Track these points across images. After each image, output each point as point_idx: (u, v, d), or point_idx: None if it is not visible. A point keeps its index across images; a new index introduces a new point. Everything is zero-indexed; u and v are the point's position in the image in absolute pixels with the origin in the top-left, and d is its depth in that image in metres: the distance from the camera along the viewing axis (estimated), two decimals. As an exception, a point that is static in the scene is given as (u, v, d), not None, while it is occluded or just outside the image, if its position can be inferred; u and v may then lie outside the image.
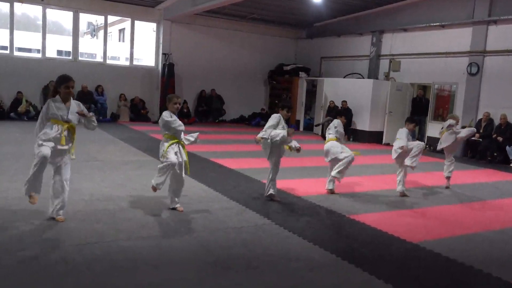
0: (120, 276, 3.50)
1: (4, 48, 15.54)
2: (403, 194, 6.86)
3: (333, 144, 6.72)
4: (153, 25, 17.44)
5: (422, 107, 13.60)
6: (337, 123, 6.88)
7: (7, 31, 14.77)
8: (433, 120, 13.53)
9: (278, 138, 5.82)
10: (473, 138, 11.78)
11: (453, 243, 4.83)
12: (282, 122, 6.11)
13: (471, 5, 12.50)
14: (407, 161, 6.78)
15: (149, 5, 16.04)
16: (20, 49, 16.54)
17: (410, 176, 7.03)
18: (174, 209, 5.35)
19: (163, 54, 16.52)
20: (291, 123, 14.92)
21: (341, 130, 6.86)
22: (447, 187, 7.68)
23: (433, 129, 13.00)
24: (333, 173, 6.57)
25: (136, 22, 16.77)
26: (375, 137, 13.82)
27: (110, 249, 4.02)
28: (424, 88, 14.20)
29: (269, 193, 6.10)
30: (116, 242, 4.20)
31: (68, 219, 4.71)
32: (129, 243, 4.19)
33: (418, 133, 12.84)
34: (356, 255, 4.27)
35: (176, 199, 5.41)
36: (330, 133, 6.86)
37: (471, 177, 9.16)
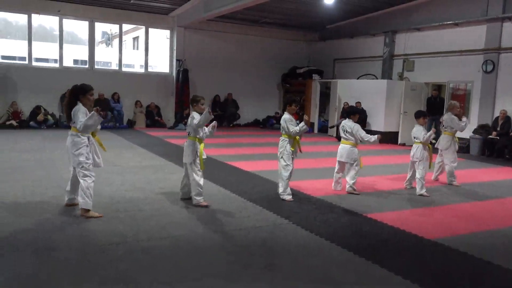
0: (142, 274, 3.59)
1: (23, 59, 15.95)
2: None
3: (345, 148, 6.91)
4: (166, 32, 17.67)
5: (437, 106, 13.51)
6: (349, 126, 6.91)
7: (25, 42, 15.12)
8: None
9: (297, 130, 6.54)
10: (490, 136, 11.70)
11: (471, 239, 4.83)
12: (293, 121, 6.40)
13: (484, 2, 12.40)
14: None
15: (162, 12, 16.27)
16: (37, 59, 16.95)
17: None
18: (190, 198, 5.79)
19: (177, 60, 16.72)
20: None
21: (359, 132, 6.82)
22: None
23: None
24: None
25: (150, 30, 17.01)
26: (390, 138, 13.77)
27: (132, 249, 4.12)
28: (439, 87, 14.10)
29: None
30: (137, 242, 4.30)
31: (91, 221, 4.86)
32: (150, 243, 4.29)
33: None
34: (374, 252, 4.30)
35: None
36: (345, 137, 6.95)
37: (489, 175, 9.09)
